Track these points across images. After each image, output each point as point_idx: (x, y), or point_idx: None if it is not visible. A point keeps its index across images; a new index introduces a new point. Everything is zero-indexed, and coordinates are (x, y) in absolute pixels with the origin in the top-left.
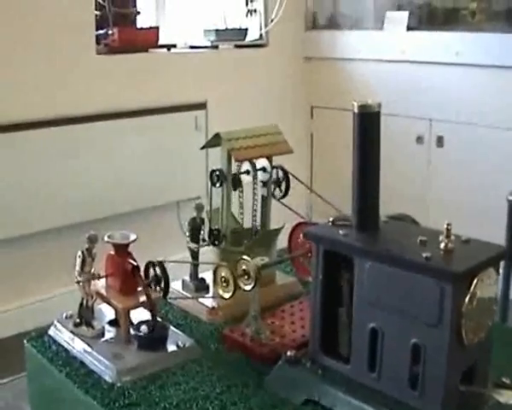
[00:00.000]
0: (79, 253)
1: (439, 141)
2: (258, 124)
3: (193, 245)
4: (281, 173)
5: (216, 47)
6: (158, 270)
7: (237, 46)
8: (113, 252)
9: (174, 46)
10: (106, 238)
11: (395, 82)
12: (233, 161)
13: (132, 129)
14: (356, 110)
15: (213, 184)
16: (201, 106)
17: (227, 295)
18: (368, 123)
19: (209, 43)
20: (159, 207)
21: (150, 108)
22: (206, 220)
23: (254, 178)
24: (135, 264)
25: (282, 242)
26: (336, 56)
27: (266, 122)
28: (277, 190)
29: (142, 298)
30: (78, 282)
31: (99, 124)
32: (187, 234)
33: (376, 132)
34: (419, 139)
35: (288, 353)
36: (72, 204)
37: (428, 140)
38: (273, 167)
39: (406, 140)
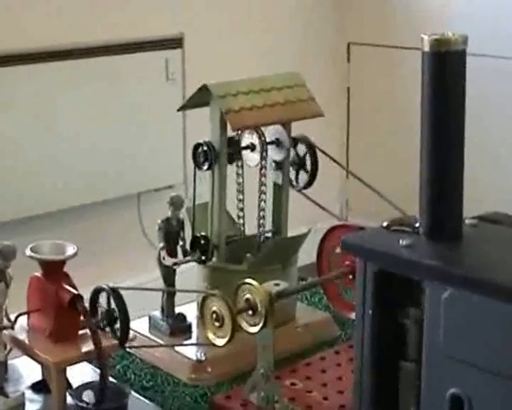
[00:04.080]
0: None
1: None
2: (265, 72)
3: (167, 261)
4: (304, 149)
5: None
6: (111, 301)
7: None
8: (39, 274)
9: None
10: (28, 252)
11: (478, 2)
12: (229, 129)
13: (71, 79)
14: (427, 48)
15: (198, 166)
16: (175, 43)
17: (221, 342)
18: (447, 68)
19: None
20: (110, 202)
21: (96, 47)
22: (187, 222)
23: (263, 156)
24: (75, 292)
25: (306, 255)
26: None
27: (277, 69)
28: (298, 174)
29: (87, 347)
30: None
31: (21, 69)
32: (160, 245)
33: (460, 82)
34: None
35: None
36: None
37: None
38: (293, 140)
39: (496, 95)
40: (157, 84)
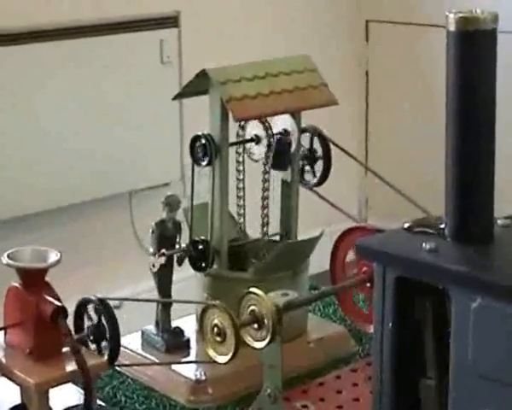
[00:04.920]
0: None
1: None
2: (272, 55)
3: (156, 264)
4: (316, 142)
5: None
6: (99, 314)
7: None
8: (18, 284)
9: None
10: (5, 260)
11: None
12: (231, 119)
13: (52, 63)
14: (452, 27)
15: (197, 162)
16: (171, 22)
17: (223, 359)
18: (475, 50)
19: None
20: (98, 203)
21: (81, 26)
22: (185, 225)
23: (269, 149)
24: (58, 305)
25: (319, 262)
26: None
27: (285, 51)
28: (310, 170)
29: (71, 366)
30: None
31: None
32: (150, 250)
33: (490, 66)
34: None
35: None
36: None
37: None
38: (303, 131)
39: None
40: (150, 68)
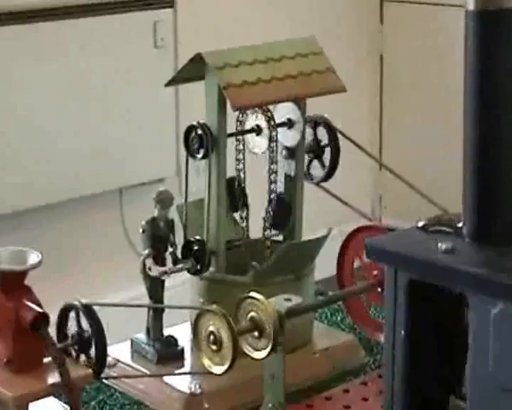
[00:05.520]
0: None
1: None
2: (275, 38)
3: (155, 271)
4: (323, 132)
5: None
6: (83, 321)
7: None
8: None
9: None
10: None
11: None
12: (229, 108)
13: (35, 46)
14: (471, 6)
15: (192, 154)
16: (165, 2)
17: (219, 370)
18: (497, 31)
19: None
20: (86, 200)
21: (67, 6)
22: (179, 224)
23: (272, 141)
24: (39, 311)
25: (326, 265)
26: None
27: (290, 34)
28: (316, 164)
29: (53, 378)
30: None
31: None
32: (145, 252)
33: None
34: None
35: None
36: None
37: None
38: (308, 121)
39: None
40: (143, 52)
